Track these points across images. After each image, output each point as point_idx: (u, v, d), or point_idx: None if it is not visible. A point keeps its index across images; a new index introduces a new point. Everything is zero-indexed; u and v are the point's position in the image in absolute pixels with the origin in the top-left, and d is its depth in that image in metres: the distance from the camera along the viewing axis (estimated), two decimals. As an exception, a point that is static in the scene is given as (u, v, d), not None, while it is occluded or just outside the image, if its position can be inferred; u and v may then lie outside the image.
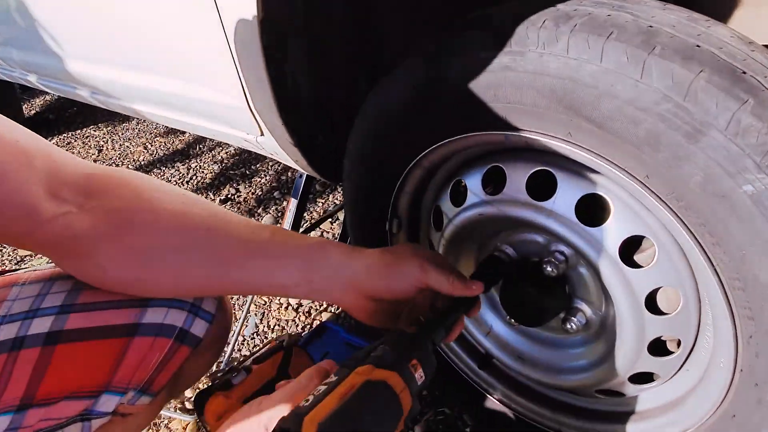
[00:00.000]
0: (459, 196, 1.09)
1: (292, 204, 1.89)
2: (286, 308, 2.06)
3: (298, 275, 0.86)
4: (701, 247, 0.79)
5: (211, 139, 3.62)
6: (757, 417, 0.85)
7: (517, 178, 0.98)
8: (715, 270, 0.80)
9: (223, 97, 1.46)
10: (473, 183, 1.05)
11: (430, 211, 1.20)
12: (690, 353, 0.96)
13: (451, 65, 0.91)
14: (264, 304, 2.11)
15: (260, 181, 3.02)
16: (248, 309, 1.83)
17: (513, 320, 1.13)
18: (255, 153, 3.34)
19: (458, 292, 0.86)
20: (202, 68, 1.44)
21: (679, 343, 0.96)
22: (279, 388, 0.74)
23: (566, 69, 0.80)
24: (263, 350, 1.06)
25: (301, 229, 2.04)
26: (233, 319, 1.18)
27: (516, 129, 0.90)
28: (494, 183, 1.04)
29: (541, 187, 0.96)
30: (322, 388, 0.68)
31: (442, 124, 0.99)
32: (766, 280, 0.74)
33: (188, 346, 0.93)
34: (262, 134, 1.49)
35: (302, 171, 1.92)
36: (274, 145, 1.48)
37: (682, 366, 0.98)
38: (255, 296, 2.15)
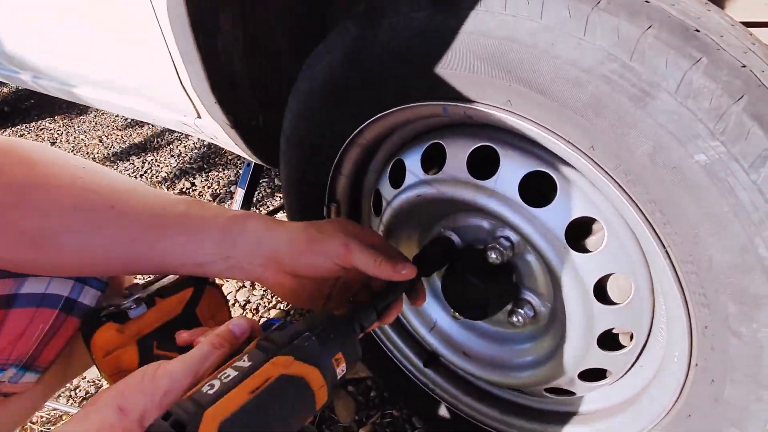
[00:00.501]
0: (399, 177, 0.99)
1: (239, 194, 1.78)
2: (232, 305, 1.94)
3: (216, 251, 0.77)
4: (651, 227, 0.71)
5: (170, 133, 3.48)
6: (715, 416, 0.77)
7: (458, 155, 0.89)
8: (667, 253, 0.72)
9: (154, 75, 1.35)
10: (412, 162, 0.96)
11: (371, 196, 1.11)
12: (643, 348, 0.88)
13: (381, 27, 0.82)
14: (229, 293, 2.00)
15: (217, 175, 2.90)
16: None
17: (457, 313, 1.04)
18: (214, 147, 3.23)
19: (385, 275, 0.76)
20: (131, 43, 1.33)
21: (632, 337, 0.88)
22: (178, 359, 0.63)
23: (504, 27, 0.71)
24: (172, 281, 0.92)
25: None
26: None
27: (453, 98, 0.81)
28: (437, 164, 0.95)
29: (485, 167, 0.88)
30: (232, 373, 0.59)
31: (374, 94, 0.89)
32: (722, 262, 0.66)
33: (77, 317, 0.84)
34: (199, 116, 1.39)
35: (249, 159, 1.82)
36: (213, 128, 1.37)
37: (635, 362, 0.90)
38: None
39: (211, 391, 0.56)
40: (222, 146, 1.57)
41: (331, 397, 0.65)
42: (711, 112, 0.61)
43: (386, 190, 1.02)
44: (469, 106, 0.80)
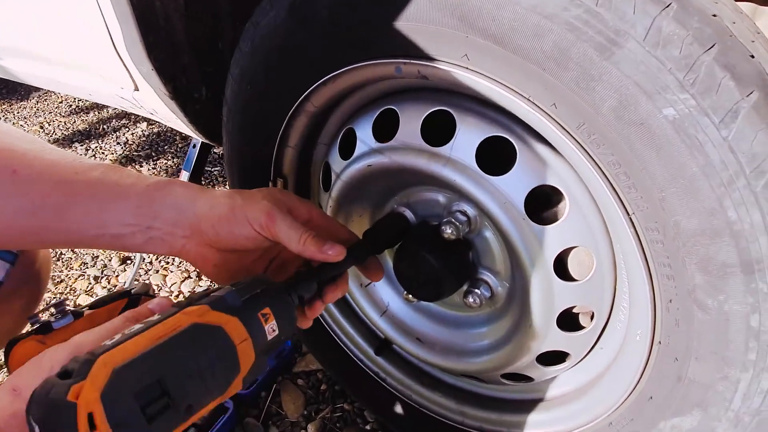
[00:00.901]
0: (350, 148, 0.92)
1: (183, 177, 1.67)
2: (177, 296, 1.83)
3: (134, 221, 0.69)
4: (615, 192, 0.66)
5: (117, 120, 3.31)
6: (678, 397, 0.72)
7: (411, 120, 0.82)
8: (631, 220, 0.67)
9: (85, 40, 1.24)
10: (363, 130, 0.89)
11: (321, 170, 1.03)
12: (604, 327, 0.83)
13: (330, -26, 0.75)
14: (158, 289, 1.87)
15: (166, 163, 2.77)
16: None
17: (410, 295, 0.97)
18: (163, 134, 3.09)
19: (309, 254, 0.68)
20: (58, 3, 1.22)
21: (592, 317, 0.83)
22: (85, 332, 0.57)
23: (461, -28, 0.65)
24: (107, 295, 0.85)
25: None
26: (50, 262, 0.96)
27: (407, 54, 0.74)
28: (391, 134, 0.88)
29: (441, 136, 0.81)
30: (137, 327, 0.52)
31: (322, 53, 0.82)
32: (688, 228, 0.62)
33: None
34: (137, 88, 1.28)
35: (194, 137, 1.71)
36: (152, 101, 1.27)
37: (595, 343, 0.86)
38: (136, 280, 1.91)
39: (110, 342, 0.49)
40: (163, 122, 1.47)
41: (263, 363, 0.58)
42: (681, 62, 0.57)
43: (336, 162, 0.94)
44: (425, 63, 0.73)
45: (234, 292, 0.58)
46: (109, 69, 1.27)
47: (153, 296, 0.84)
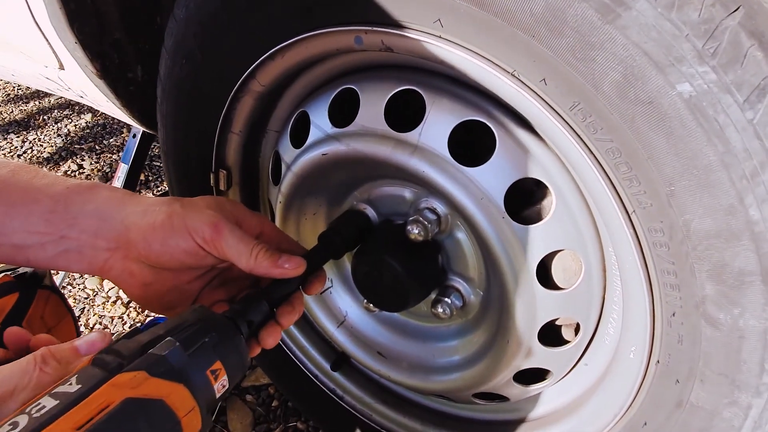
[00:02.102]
0: (303, 135, 0.80)
1: (121, 170, 1.51)
2: (114, 302, 1.66)
3: (44, 228, 0.57)
4: (612, 186, 0.56)
5: (59, 110, 3.08)
6: (677, 425, 0.63)
7: (374, 102, 0.71)
8: (630, 219, 0.57)
9: (2, 11, 1.08)
10: (318, 114, 0.76)
11: (270, 161, 0.90)
12: (590, 341, 0.74)
13: None
14: (86, 298, 1.69)
15: (111, 157, 2.57)
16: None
17: (371, 304, 0.85)
18: (108, 126, 2.88)
19: (262, 270, 0.57)
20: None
21: (577, 329, 0.73)
22: None
23: None
24: None
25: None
26: None
27: (369, 20, 0.62)
28: (349, 118, 0.76)
29: (407, 122, 0.70)
30: (49, 404, 0.40)
31: (265, 20, 0.69)
32: (702, 229, 0.52)
33: None
34: (62, 67, 1.13)
35: (136, 128, 1.55)
36: (80, 81, 1.12)
37: (579, 359, 0.76)
38: (69, 284, 1.73)
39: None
40: (94, 106, 1.31)
41: (208, 424, 0.47)
42: (700, 27, 0.47)
43: (287, 151, 0.82)
44: (389, 30, 0.62)
45: (177, 348, 0.46)
46: (29, 44, 1.11)
47: (51, 287, 0.69)
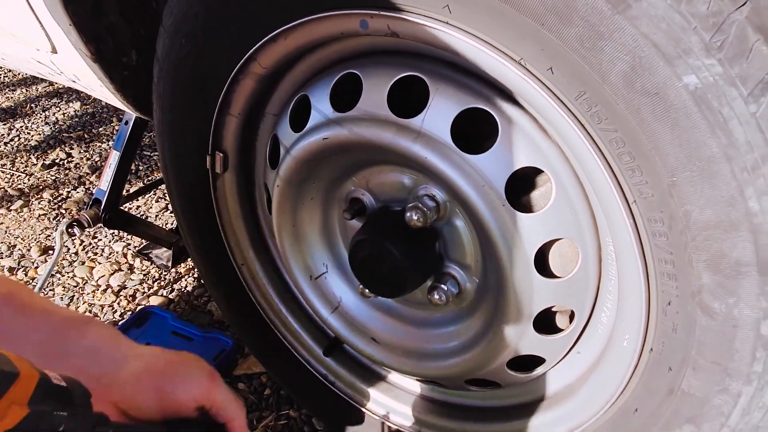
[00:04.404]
0: (303, 119, 0.79)
1: (113, 157, 1.48)
2: (104, 291, 1.64)
3: (34, 360, 0.52)
4: (614, 175, 0.57)
5: (47, 99, 3.01)
6: (668, 412, 0.64)
7: (377, 87, 0.71)
8: (630, 209, 0.58)
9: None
10: (319, 97, 0.76)
11: (268, 144, 0.89)
12: (583, 329, 0.75)
13: None
14: (75, 286, 1.67)
15: (100, 146, 2.53)
16: (43, 282, 1.40)
17: (367, 290, 0.86)
18: (98, 114, 2.83)
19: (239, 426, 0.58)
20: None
21: (571, 317, 0.74)
22: None
23: None
24: None
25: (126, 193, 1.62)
26: None
27: (375, 5, 0.62)
28: (351, 103, 0.75)
29: (411, 107, 0.70)
30: None
31: (268, 0, 0.69)
32: (702, 220, 0.53)
33: None
34: (54, 50, 1.10)
35: (129, 114, 1.52)
36: (73, 64, 1.10)
37: (572, 347, 0.77)
38: (58, 272, 1.71)
39: None
40: (87, 91, 1.28)
41: None
42: (708, 20, 0.47)
43: (286, 134, 0.81)
44: (396, 15, 0.61)
45: None
46: (21, 27, 1.09)
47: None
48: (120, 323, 1.47)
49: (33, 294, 0.59)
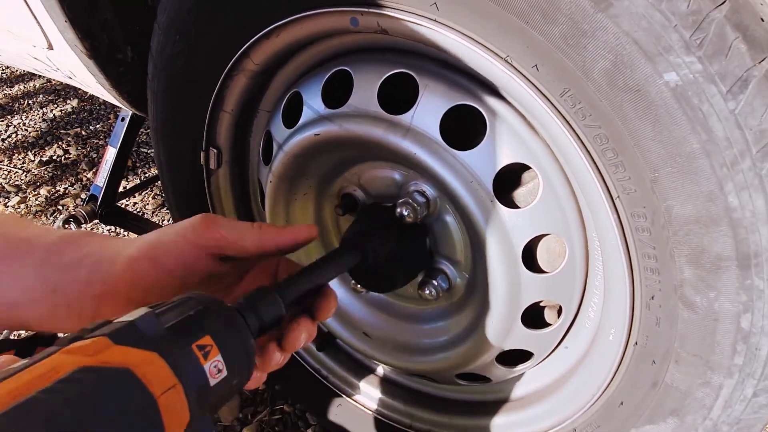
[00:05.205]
0: (296, 115, 0.80)
1: (109, 154, 1.49)
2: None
3: (36, 283, 0.53)
4: (599, 171, 0.58)
5: (45, 95, 3.01)
6: (652, 404, 0.65)
7: (367, 84, 0.71)
8: (614, 204, 0.59)
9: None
10: (311, 94, 0.77)
11: (261, 141, 0.90)
12: (571, 324, 0.76)
13: None
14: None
15: (97, 143, 2.53)
16: None
17: (359, 285, 0.86)
18: (96, 111, 2.84)
19: (269, 241, 0.54)
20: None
21: (559, 312, 0.75)
22: None
23: None
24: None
25: (123, 190, 1.63)
26: None
27: (365, 3, 0.63)
28: (342, 100, 0.76)
29: (399, 105, 0.71)
30: None
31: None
32: (683, 215, 0.54)
33: None
34: (50, 47, 1.11)
35: (125, 111, 1.53)
36: (69, 61, 1.11)
37: (560, 342, 0.78)
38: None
39: None
40: (82, 87, 1.29)
41: (196, 411, 0.37)
42: (688, 18, 0.48)
43: (279, 130, 0.82)
44: (386, 13, 0.62)
45: (152, 315, 0.38)
46: (17, 23, 1.10)
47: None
48: (116, 319, 1.47)
49: (23, 220, 0.57)
